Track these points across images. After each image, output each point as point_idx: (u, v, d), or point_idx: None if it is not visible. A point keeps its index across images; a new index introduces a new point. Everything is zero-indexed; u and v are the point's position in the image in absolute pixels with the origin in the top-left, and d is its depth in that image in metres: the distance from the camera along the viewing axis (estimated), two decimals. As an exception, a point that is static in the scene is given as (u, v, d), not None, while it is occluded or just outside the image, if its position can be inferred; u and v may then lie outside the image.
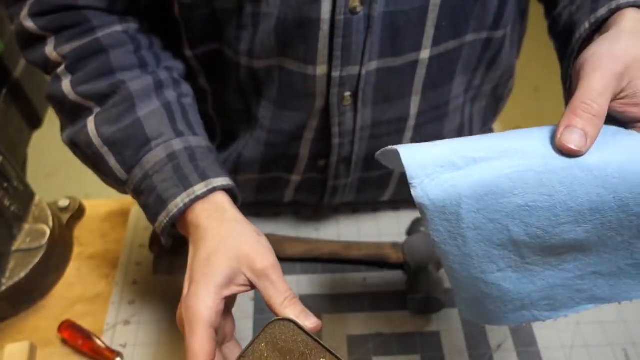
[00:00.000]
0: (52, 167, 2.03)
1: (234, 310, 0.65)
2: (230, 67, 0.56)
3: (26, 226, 0.67)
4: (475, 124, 0.69)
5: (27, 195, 0.68)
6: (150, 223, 0.51)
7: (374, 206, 0.75)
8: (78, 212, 0.74)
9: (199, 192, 0.48)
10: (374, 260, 0.67)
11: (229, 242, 0.46)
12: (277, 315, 0.43)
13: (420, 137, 0.63)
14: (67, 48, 0.52)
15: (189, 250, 0.48)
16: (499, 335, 0.62)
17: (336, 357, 0.41)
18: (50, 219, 0.67)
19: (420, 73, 0.56)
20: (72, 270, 0.69)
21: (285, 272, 0.66)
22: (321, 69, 0.53)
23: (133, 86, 0.51)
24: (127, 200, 0.77)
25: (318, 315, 0.50)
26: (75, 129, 0.53)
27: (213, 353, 0.43)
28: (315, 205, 0.72)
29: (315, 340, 0.41)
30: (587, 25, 0.46)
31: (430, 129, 0.63)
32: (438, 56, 0.55)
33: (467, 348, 0.61)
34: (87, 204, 0.76)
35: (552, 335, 0.61)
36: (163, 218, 0.49)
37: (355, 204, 0.75)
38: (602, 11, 0.45)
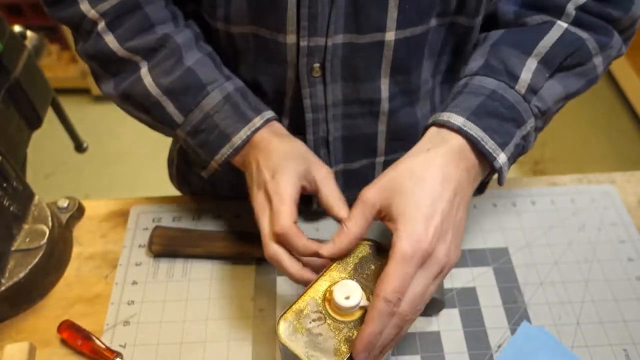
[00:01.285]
0: (52, 167, 2.03)
1: (234, 311, 0.65)
2: (211, 31, 0.61)
3: (25, 226, 0.67)
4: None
5: (26, 196, 0.68)
6: (204, 159, 0.58)
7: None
8: (77, 212, 0.74)
9: (258, 124, 0.56)
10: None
11: (297, 149, 0.56)
12: (331, 214, 0.54)
13: (396, 123, 0.64)
14: (106, 5, 0.56)
15: (250, 162, 0.56)
16: (499, 335, 0.62)
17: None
18: (50, 219, 0.67)
19: (388, 55, 0.57)
20: (72, 271, 0.69)
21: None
22: (290, 38, 0.55)
23: (179, 39, 0.57)
24: (127, 200, 0.77)
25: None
26: (126, 83, 0.58)
27: (296, 218, 0.52)
28: (305, 205, 0.72)
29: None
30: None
31: (404, 115, 0.64)
32: (405, 40, 0.56)
33: (467, 348, 0.61)
34: (87, 204, 0.76)
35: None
36: (227, 150, 0.57)
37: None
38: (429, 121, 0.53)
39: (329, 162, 0.66)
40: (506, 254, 0.69)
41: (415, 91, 0.63)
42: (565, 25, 0.54)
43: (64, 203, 0.73)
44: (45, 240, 0.65)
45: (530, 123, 0.53)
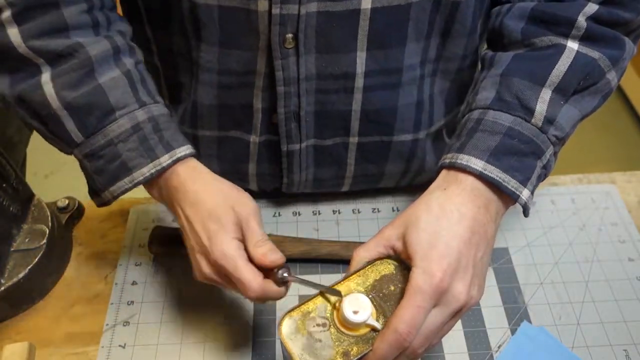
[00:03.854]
0: (51, 167, 2.03)
1: (233, 311, 0.65)
2: (174, 6, 0.57)
3: (25, 226, 0.67)
4: (437, 106, 0.68)
5: (26, 196, 0.68)
6: (99, 184, 0.55)
7: (374, 206, 0.75)
8: (77, 213, 0.74)
9: (164, 164, 0.53)
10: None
11: (219, 194, 0.53)
12: (250, 254, 0.51)
13: (372, 104, 0.63)
14: None
15: (176, 208, 0.54)
16: (499, 335, 0.62)
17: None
18: (50, 219, 0.67)
19: (364, 25, 0.56)
20: (71, 271, 0.69)
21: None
22: (262, 5, 0.53)
23: (91, 51, 0.52)
24: (127, 200, 0.77)
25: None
26: (23, 85, 0.52)
27: (261, 275, 0.50)
28: (279, 185, 0.72)
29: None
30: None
31: (382, 97, 0.63)
32: (382, 10, 0.55)
33: (468, 348, 0.61)
34: (87, 204, 0.76)
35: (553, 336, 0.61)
36: (124, 183, 0.53)
37: (316, 196, 0.75)
38: (445, 161, 0.52)
39: (299, 136, 0.65)
40: (506, 254, 0.69)
41: (395, 73, 0.61)
42: (575, 47, 0.53)
43: (63, 203, 0.73)
44: (45, 241, 0.65)
45: (550, 151, 0.52)
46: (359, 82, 0.60)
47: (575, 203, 0.75)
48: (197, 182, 0.53)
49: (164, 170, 0.53)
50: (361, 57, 0.58)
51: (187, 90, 0.66)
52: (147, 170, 0.53)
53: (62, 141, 0.54)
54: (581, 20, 0.53)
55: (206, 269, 0.52)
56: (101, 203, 0.56)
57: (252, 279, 0.49)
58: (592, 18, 0.53)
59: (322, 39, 0.56)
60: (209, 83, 0.62)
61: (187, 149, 0.55)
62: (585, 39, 0.53)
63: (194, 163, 0.55)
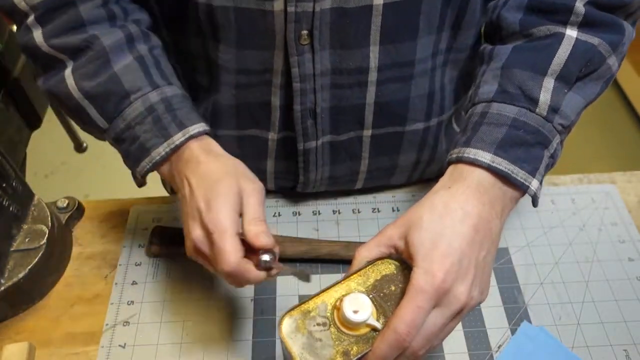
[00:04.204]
0: (51, 167, 2.03)
1: (234, 311, 0.65)
2: (191, 9, 0.58)
3: (25, 226, 0.67)
4: (447, 95, 0.68)
5: (26, 195, 0.68)
6: (129, 166, 0.58)
7: (374, 206, 0.75)
8: (77, 213, 0.74)
9: (177, 142, 0.54)
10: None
11: (227, 167, 0.53)
12: (244, 230, 0.51)
13: (385, 96, 0.63)
14: None
15: (182, 179, 0.54)
16: (499, 335, 0.62)
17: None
18: (49, 219, 0.67)
19: (376, 20, 0.56)
20: (71, 271, 0.69)
21: (285, 272, 0.67)
22: (278, 5, 0.54)
23: (105, 41, 0.55)
24: (127, 200, 0.77)
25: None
26: (52, 81, 0.56)
27: (242, 252, 0.50)
28: (295, 183, 0.72)
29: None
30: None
31: (395, 90, 0.63)
32: (393, 5, 0.55)
33: (468, 349, 0.61)
34: (86, 204, 0.76)
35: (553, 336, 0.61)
36: (146, 164, 0.55)
37: (333, 194, 0.75)
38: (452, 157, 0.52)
39: (315, 134, 0.65)
40: (506, 254, 0.69)
41: (408, 66, 0.61)
42: (574, 34, 0.53)
43: (63, 203, 0.73)
44: (44, 241, 0.65)
45: (556, 140, 0.52)
46: (373, 76, 0.61)
47: (575, 203, 0.75)
48: (209, 157, 0.54)
49: (177, 148, 0.54)
50: (374, 52, 0.59)
51: (205, 91, 0.67)
52: (162, 150, 0.54)
53: (93, 128, 0.58)
54: (579, 6, 0.53)
55: (197, 232, 0.50)
56: (138, 184, 0.59)
57: (232, 251, 0.48)
58: (590, 2, 0.53)
59: (336, 35, 0.57)
60: (228, 83, 0.63)
61: (200, 127, 0.55)
62: (584, 25, 0.53)
63: (207, 140, 0.56)
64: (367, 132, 0.67)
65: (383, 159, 0.71)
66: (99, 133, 0.58)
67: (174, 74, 0.60)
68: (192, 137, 0.54)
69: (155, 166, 0.55)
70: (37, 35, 0.55)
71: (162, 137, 0.54)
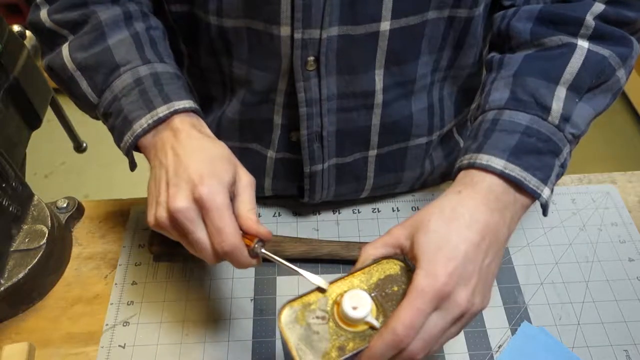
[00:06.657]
0: (51, 167, 2.03)
1: (233, 311, 0.65)
2: (202, 27, 0.59)
3: (25, 226, 0.67)
4: (447, 108, 0.69)
5: (25, 196, 0.68)
6: (117, 144, 0.56)
7: (374, 206, 0.75)
8: (77, 213, 0.74)
9: (161, 114, 0.52)
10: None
11: (224, 152, 0.52)
12: (240, 217, 0.50)
13: (390, 116, 0.64)
14: None
15: (164, 150, 0.51)
16: (499, 336, 0.62)
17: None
18: (49, 219, 0.67)
19: (382, 45, 0.57)
20: (71, 271, 0.69)
21: (285, 272, 0.67)
22: (285, 30, 0.54)
23: (102, 15, 0.56)
24: (127, 200, 0.77)
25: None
26: (52, 54, 0.58)
27: (239, 230, 0.49)
28: (297, 200, 0.72)
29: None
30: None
31: (399, 108, 0.64)
32: (399, 30, 0.56)
33: (468, 349, 0.61)
34: (86, 204, 0.76)
35: (553, 336, 0.61)
36: (128, 137, 0.53)
37: (336, 202, 0.74)
38: (460, 163, 0.52)
39: (322, 157, 0.65)
40: (506, 254, 0.69)
41: (410, 83, 0.62)
42: (586, 45, 0.53)
43: (63, 203, 0.73)
44: (44, 241, 0.65)
45: (566, 149, 0.52)
46: (379, 98, 0.61)
47: (575, 203, 0.75)
48: (202, 134, 0.52)
49: (160, 121, 0.52)
50: (379, 75, 0.59)
51: (218, 103, 0.67)
52: (144, 122, 0.52)
53: (85, 104, 0.58)
54: (589, 20, 0.53)
55: (183, 202, 0.47)
56: (130, 166, 0.58)
57: (234, 231, 0.47)
58: (599, 17, 0.54)
59: (343, 60, 0.57)
60: (238, 97, 0.63)
61: (187, 103, 0.54)
62: (595, 37, 0.54)
63: (197, 120, 0.54)
64: (373, 152, 0.68)
65: (388, 176, 0.72)
66: (90, 110, 0.58)
67: (172, 56, 0.59)
68: (177, 111, 0.53)
69: (138, 139, 0.53)
70: (42, 12, 0.58)
71: (146, 109, 0.53)
